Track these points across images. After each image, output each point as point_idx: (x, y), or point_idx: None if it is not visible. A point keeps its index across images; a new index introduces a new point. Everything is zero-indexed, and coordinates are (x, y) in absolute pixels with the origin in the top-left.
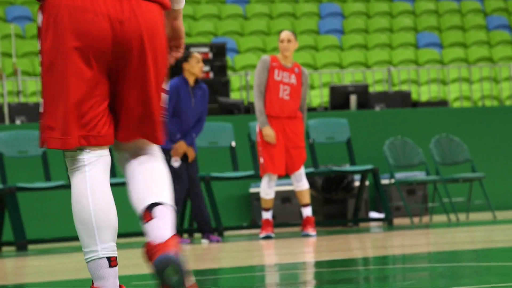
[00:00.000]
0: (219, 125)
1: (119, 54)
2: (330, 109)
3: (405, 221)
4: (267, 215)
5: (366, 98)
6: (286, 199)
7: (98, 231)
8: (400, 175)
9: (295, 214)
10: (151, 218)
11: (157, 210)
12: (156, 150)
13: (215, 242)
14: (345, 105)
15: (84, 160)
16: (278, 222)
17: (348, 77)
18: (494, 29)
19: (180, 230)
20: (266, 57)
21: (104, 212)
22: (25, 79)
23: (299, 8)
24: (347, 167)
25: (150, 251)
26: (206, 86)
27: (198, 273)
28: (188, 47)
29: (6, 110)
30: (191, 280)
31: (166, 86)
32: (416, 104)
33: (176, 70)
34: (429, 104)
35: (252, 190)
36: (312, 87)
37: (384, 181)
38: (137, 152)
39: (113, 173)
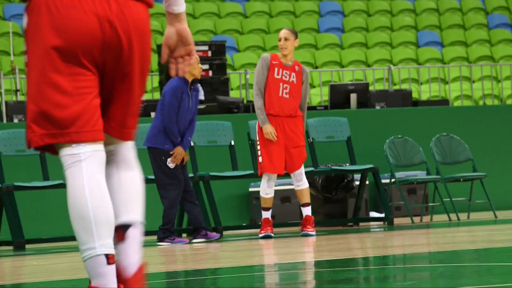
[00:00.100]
0: (218, 124)
1: (107, 52)
2: (330, 108)
3: (406, 220)
4: (266, 215)
5: (366, 97)
6: (285, 198)
7: (96, 227)
8: (400, 175)
9: (294, 213)
10: (123, 239)
11: (130, 232)
12: (133, 156)
13: (214, 238)
14: (345, 103)
15: (80, 155)
16: (278, 221)
17: (348, 76)
18: (495, 27)
19: (179, 230)
20: (266, 55)
21: (102, 208)
22: (23, 77)
23: (299, 6)
24: (347, 167)
25: (118, 277)
26: (199, 85)
27: (197, 273)
28: None
29: (3, 109)
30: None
31: (166, 86)
32: (416, 103)
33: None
34: (429, 103)
35: (252, 189)
36: (312, 85)
37: (385, 181)
38: (116, 155)
39: None
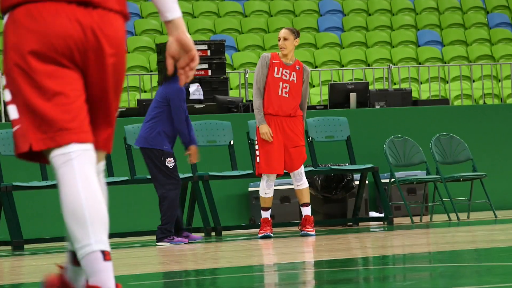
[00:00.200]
0: (218, 123)
1: (88, 60)
2: (329, 107)
3: (405, 220)
4: (266, 214)
5: (366, 96)
6: (285, 198)
7: (91, 223)
8: (400, 174)
9: (294, 213)
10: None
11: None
12: (101, 164)
13: (197, 240)
14: (345, 103)
15: (71, 154)
16: (277, 221)
17: (348, 75)
18: (495, 26)
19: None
20: (266, 54)
21: (96, 205)
22: None
23: (299, 5)
24: (347, 166)
25: None
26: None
27: (196, 273)
28: None
29: (1, 108)
30: None
31: (167, 90)
32: (416, 102)
33: (160, 74)
34: (429, 102)
35: (251, 189)
36: (311, 85)
37: (384, 180)
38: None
39: (111, 172)
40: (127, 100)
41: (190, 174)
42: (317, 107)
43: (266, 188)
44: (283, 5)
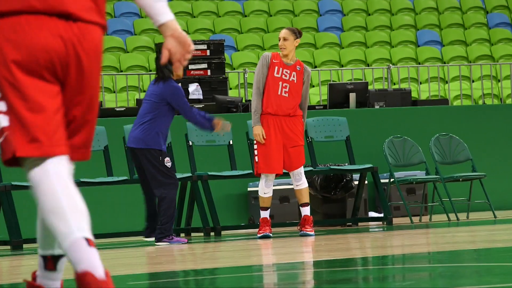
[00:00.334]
0: None
1: (68, 74)
2: (329, 107)
3: (405, 220)
4: (265, 214)
5: (365, 96)
6: (284, 198)
7: (70, 213)
8: (399, 174)
9: (293, 213)
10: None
11: (61, 264)
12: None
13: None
14: (344, 103)
15: (47, 163)
16: (276, 221)
17: (348, 75)
18: (495, 26)
19: (177, 229)
20: (267, 53)
21: (73, 197)
22: None
23: (298, 4)
24: (346, 166)
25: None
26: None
27: (195, 273)
28: None
29: None
30: None
31: (165, 90)
32: (416, 102)
33: (162, 71)
34: (429, 102)
35: (250, 189)
36: (311, 85)
37: (384, 180)
38: None
39: (110, 172)
40: (126, 100)
41: (189, 174)
42: (317, 107)
43: (265, 188)
44: (283, 5)
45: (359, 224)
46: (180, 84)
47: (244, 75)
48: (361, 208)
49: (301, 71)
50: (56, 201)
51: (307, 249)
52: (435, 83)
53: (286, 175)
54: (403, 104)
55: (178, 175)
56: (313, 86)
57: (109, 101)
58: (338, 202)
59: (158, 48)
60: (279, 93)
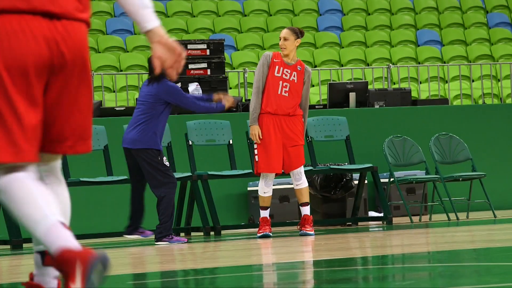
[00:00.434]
0: (217, 122)
1: (55, 72)
2: (329, 107)
3: (405, 220)
4: (264, 214)
5: (365, 96)
6: (284, 197)
7: (43, 201)
8: (399, 174)
9: (293, 213)
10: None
11: None
12: (60, 174)
13: (149, 236)
14: (344, 102)
15: (17, 167)
16: (276, 221)
17: (347, 75)
18: (495, 26)
19: (177, 229)
20: (268, 53)
21: (45, 193)
22: None
23: (298, 4)
24: (346, 166)
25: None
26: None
27: (195, 272)
28: (185, 44)
29: None
30: None
31: (160, 89)
32: (416, 102)
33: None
34: (429, 102)
35: (250, 188)
36: (310, 84)
37: (384, 180)
38: (48, 172)
39: (110, 172)
40: (126, 99)
41: (189, 174)
42: (316, 107)
43: (265, 187)
44: (283, 4)
45: (359, 223)
46: (180, 84)
47: (244, 75)
48: (361, 208)
49: (302, 71)
50: (27, 192)
51: (307, 249)
52: (435, 82)
53: (286, 174)
54: (403, 103)
55: (178, 175)
56: (313, 86)
57: (109, 100)
58: (338, 201)
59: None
60: (279, 92)
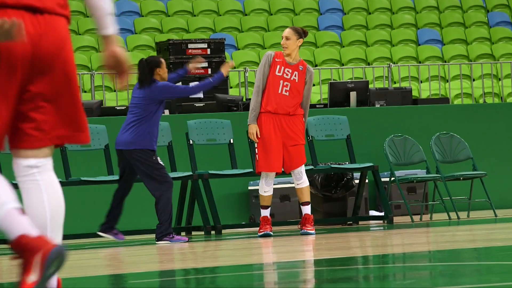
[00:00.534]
0: (218, 122)
1: (38, 66)
2: (329, 106)
3: (405, 219)
4: (265, 213)
5: (366, 95)
6: (285, 197)
7: (2, 188)
8: (400, 173)
9: (294, 212)
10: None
11: None
12: (50, 162)
13: (121, 240)
14: (345, 102)
15: None
16: (277, 220)
17: (348, 74)
18: (496, 25)
19: (178, 228)
20: (270, 52)
21: (2, 182)
22: None
23: (299, 3)
24: (347, 165)
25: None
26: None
27: (196, 271)
28: (186, 43)
29: None
30: None
31: (153, 87)
32: (416, 101)
33: (146, 75)
34: (429, 101)
35: (251, 187)
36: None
37: (384, 179)
38: (40, 166)
39: (111, 171)
40: (126, 98)
41: (190, 173)
42: (317, 106)
43: (265, 187)
44: (283, 3)
45: (360, 222)
46: (180, 83)
47: (244, 74)
48: (362, 207)
49: (303, 71)
50: None
51: (308, 248)
52: (436, 81)
53: (287, 173)
54: (404, 103)
55: (179, 174)
56: (314, 85)
57: (109, 100)
58: (338, 200)
59: (159, 47)
60: (279, 91)
